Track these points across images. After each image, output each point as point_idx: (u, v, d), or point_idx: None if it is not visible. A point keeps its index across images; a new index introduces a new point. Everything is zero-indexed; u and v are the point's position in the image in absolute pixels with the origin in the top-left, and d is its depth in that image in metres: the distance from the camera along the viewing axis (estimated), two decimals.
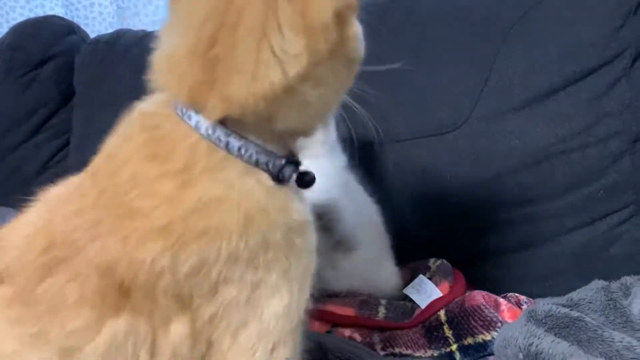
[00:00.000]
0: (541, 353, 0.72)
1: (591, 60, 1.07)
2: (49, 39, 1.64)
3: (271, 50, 0.48)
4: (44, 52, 1.62)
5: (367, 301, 1.08)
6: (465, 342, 0.92)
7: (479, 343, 0.90)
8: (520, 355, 0.76)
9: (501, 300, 0.99)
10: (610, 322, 0.85)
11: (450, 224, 1.10)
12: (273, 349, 0.53)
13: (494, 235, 1.12)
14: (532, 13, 1.10)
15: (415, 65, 1.17)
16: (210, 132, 0.51)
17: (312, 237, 0.56)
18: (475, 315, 0.93)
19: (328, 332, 1.02)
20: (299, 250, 0.53)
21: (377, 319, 1.03)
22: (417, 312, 1.02)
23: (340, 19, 0.50)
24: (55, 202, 0.55)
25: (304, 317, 0.55)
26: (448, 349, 0.92)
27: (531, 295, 1.05)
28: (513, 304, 1.03)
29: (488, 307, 0.93)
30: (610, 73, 1.07)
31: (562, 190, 1.07)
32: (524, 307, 0.99)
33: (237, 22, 0.48)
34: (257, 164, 0.52)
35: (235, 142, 0.51)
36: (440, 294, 1.04)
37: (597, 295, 0.90)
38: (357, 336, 1.00)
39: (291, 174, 0.55)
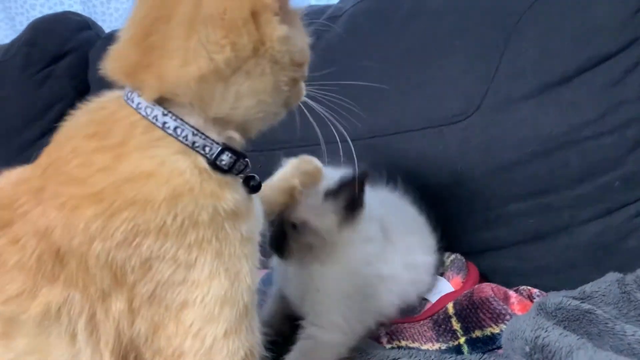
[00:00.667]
0: (547, 345, 0.70)
1: (606, 45, 1.04)
2: (64, 35, 1.65)
3: (198, 39, 0.53)
4: (59, 48, 1.63)
5: None
6: (474, 335, 0.90)
7: (487, 336, 0.89)
8: (527, 348, 0.74)
9: (511, 292, 0.96)
10: (623, 315, 0.82)
11: (460, 215, 1.08)
12: (225, 336, 0.54)
13: (505, 227, 1.09)
14: None
15: (425, 55, 1.15)
16: (148, 112, 0.55)
17: (246, 228, 0.57)
18: (483, 308, 0.91)
19: None
20: (229, 236, 0.55)
21: None
22: (428, 306, 1.00)
23: (258, 18, 0.55)
24: (13, 175, 0.59)
25: (252, 306, 0.57)
26: (456, 342, 0.91)
27: (544, 288, 1.03)
28: (524, 297, 1.01)
29: (497, 299, 0.91)
30: (626, 59, 1.03)
31: (576, 181, 1.04)
32: (536, 300, 0.97)
33: (170, 16, 0.54)
34: (193, 145, 0.56)
35: (171, 122, 0.55)
36: (452, 289, 1.02)
37: (611, 287, 0.87)
38: None
39: (230, 162, 0.58)
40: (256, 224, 0.61)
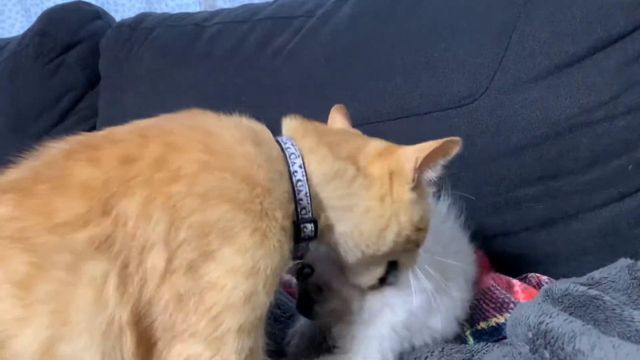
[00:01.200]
0: (550, 331, 0.68)
1: (620, 24, 1.00)
2: (75, 25, 1.66)
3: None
4: (71, 37, 1.64)
5: None
6: (479, 327, 0.88)
7: (492, 326, 0.87)
8: (530, 334, 0.72)
9: (514, 281, 0.94)
10: (632, 302, 0.80)
11: (467, 201, 1.06)
12: (238, 331, 0.55)
13: (514, 212, 1.06)
14: None
15: (432, 37, 1.13)
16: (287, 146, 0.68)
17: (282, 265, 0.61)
18: (486, 298, 0.89)
19: None
20: (275, 253, 0.59)
21: None
22: None
23: (393, 177, 0.69)
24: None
25: (264, 317, 0.59)
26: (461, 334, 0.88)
27: (554, 275, 1.00)
28: (533, 285, 0.98)
29: (499, 288, 0.89)
30: (638, 40, 0.99)
31: (587, 164, 1.01)
32: (543, 287, 0.94)
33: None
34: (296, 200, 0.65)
35: (299, 173, 0.65)
36: None
37: (621, 273, 0.84)
38: None
39: (307, 235, 0.66)
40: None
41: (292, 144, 0.66)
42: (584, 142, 1.00)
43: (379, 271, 0.73)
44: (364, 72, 1.18)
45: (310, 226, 0.64)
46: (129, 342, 0.52)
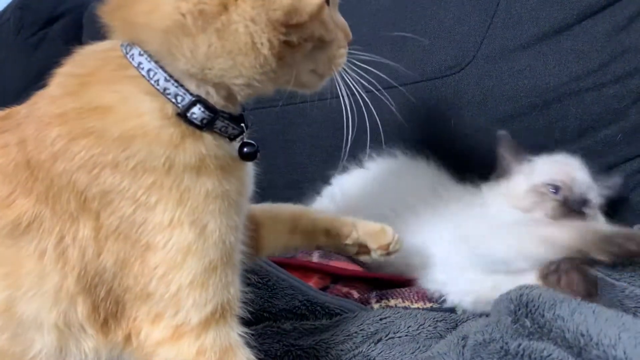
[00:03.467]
0: (532, 301, 0.67)
1: None
2: None
3: None
4: (52, 10, 1.61)
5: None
6: None
7: None
8: (512, 306, 0.71)
9: None
10: (617, 272, 0.79)
11: (455, 172, 1.04)
12: (191, 286, 0.54)
13: None
14: None
15: (418, 4, 1.10)
16: (127, 50, 0.54)
17: (216, 185, 0.55)
18: None
19: (326, 287, 0.99)
20: (190, 189, 0.53)
21: (386, 273, 1.00)
22: None
23: None
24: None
25: (224, 263, 0.56)
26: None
27: None
28: None
29: None
30: (630, 4, 0.98)
31: (576, 134, 1.00)
32: None
33: None
34: (164, 92, 0.53)
35: (146, 63, 0.53)
36: None
37: None
38: (354, 293, 0.96)
39: (203, 117, 0.54)
40: (238, 187, 0.58)
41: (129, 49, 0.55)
42: (573, 111, 0.99)
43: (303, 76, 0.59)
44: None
45: (197, 108, 0.53)
46: (80, 308, 0.53)
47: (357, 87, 0.60)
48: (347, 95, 0.59)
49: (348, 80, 0.59)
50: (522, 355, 0.58)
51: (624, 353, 0.52)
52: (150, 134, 0.52)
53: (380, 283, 0.99)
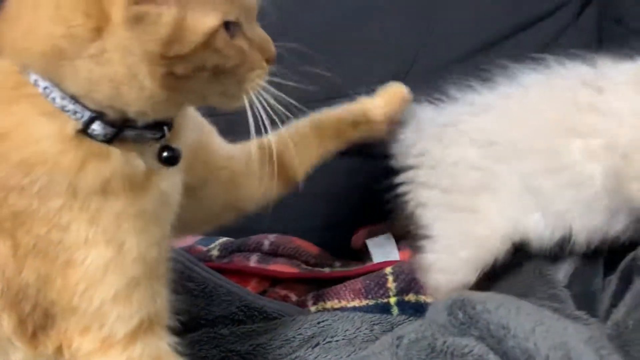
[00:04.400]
0: (468, 297, 0.70)
1: (538, 7, 1.05)
2: None
3: (42, 13, 0.48)
4: None
5: (318, 263, 1.08)
6: (406, 298, 0.90)
7: (419, 303, 0.88)
8: (449, 301, 0.73)
9: None
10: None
11: None
12: (114, 300, 0.53)
13: None
14: None
15: (359, 16, 1.14)
16: (24, 67, 0.51)
17: (126, 204, 0.53)
18: None
19: (264, 291, 1.00)
20: (100, 209, 0.51)
21: (323, 272, 1.03)
22: (368, 264, 1.00)
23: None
24: None
25: (148, 277, 0.55)
26: (385, 300, 0.90)
27: None
28: None
29: None
30: (557, 21, 1.05)
31: None
32: None
33: None
34: (63, 109, 0.50)
35: (41, 81, 0.50)
36: (397, 259, 1.01)
37: None
38: (292, 295, 0.98)
39: (106, 133, 0.52)
40: (160, 199, 0.56)
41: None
42: None
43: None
44: (289, 53, 1.17)
45: (97, 125, 0.51)
46: (6, 322, 0.52)
47: (276, 106, 0.57)
48: (259, 115, 0.55)
49: (262, 101, 0.56)
50: (446, 352, 0.60)
51: (535, 345, 0.55)
52: (49, 161, 0.50)
53: (318, 282, 1.00)
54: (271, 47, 0.57)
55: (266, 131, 0.57)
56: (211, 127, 0.72)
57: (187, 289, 0.84)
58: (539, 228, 0.78)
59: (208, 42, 0.48)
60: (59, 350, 0.54)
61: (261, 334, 0.83)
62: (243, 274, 0.99)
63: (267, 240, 1.08)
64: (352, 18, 1.14)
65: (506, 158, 0.79)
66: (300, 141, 0.78)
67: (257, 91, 0.56)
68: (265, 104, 0.56)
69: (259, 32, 0.56)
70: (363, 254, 1.05)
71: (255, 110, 0.55)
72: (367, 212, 1.04)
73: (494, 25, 1.05)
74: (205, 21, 0.48)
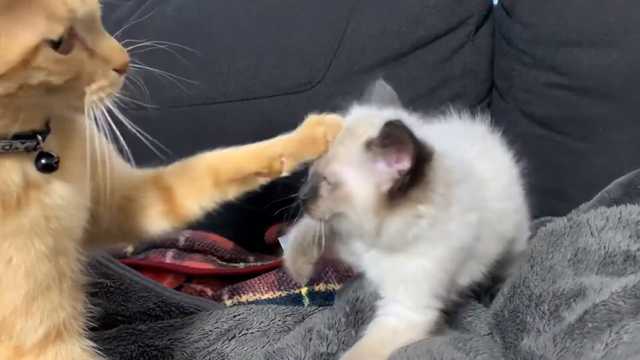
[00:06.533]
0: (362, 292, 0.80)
1: (437, 25, 1.13)
2: None
3: None
4: None
5: (233, 258, 1.12)
6: (316, 288, 0.96)
7: (329, 291, 0.95)
8: (347, 308, 0.83)
9: None
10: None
11: None
12: (14, 314, 0.54)
13: None
14: None
15: (275, 24, 1.18)
16: None
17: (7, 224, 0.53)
18: (333, 267, 0.96)
19: (180, 286, 1.02)
20: None
21: (238, 268, 1.07)
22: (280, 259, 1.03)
23: None
24: None
25: (43, 289, 0.55)
26: (297, 291, 0.96)
27: None
28: None
29: None
30: (454, 39, 1.14)
31: None
32: None
33: None
34: None
35: None
36: None
37: None
38: (208, 290, 1.02)
39: None
40: (36, 214, 0.54)
41: None
42: None
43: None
44: (209, 52, 1.20)
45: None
46: None
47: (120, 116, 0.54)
48: (102, 126, 0.53)
49: (104, 112, 0.52)
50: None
51: None
52: None
53: (233, 277, 1.04)
54: (121, 56, 0.53)
55: (114, 141, 0.55)
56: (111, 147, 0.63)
57: (103, 286, 0.85)
58: None
59: (27, 61, 0.46)
60: None
61: (179, 329, 0.86)
62: (159, 270, 1.02)
63: (183, 236, 1.10)
64: (273, 23, 1.19)
65: None
66: (191, 182, 0.72)
67: (101, 102, 0.52)
68: (107, 115, 0.52)
69: (105, 43, 0.52)
70: (276, 248, 1.10)
71: (99, 121, 0.52)
72: (280, 208, 1.09)
73: (397, 41, 1.13)
74: (20, 41, 0.45)
